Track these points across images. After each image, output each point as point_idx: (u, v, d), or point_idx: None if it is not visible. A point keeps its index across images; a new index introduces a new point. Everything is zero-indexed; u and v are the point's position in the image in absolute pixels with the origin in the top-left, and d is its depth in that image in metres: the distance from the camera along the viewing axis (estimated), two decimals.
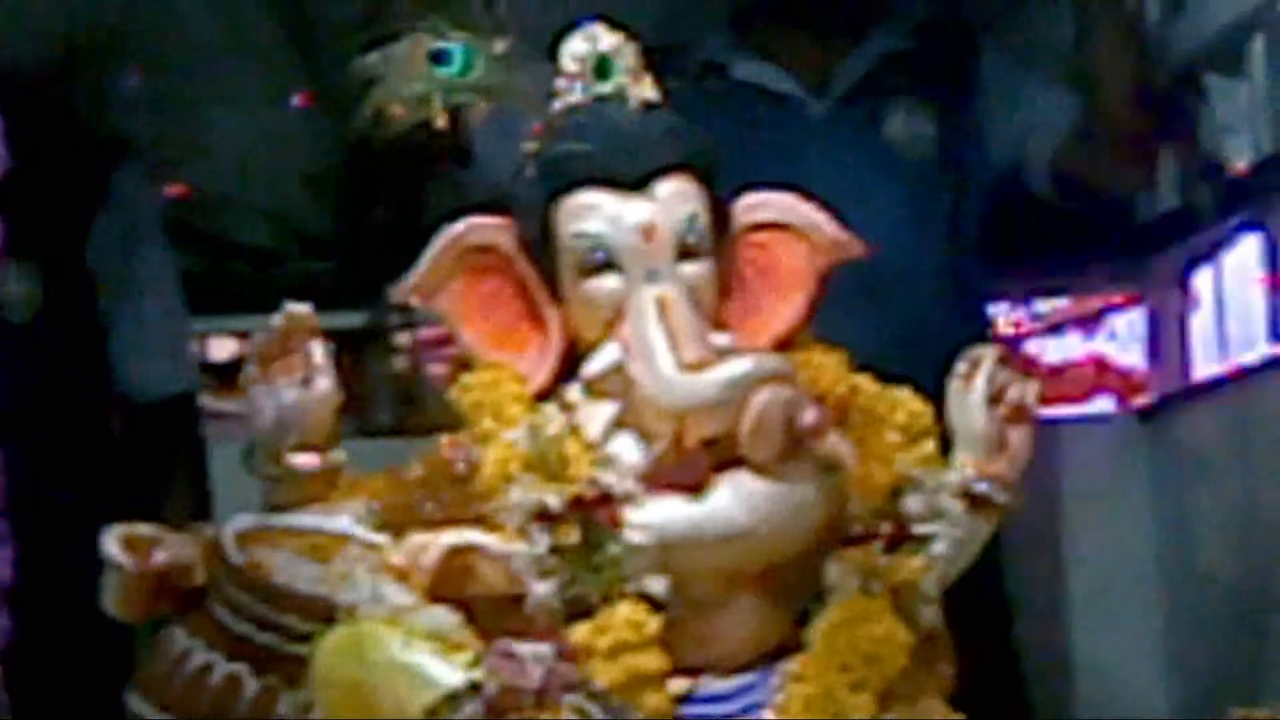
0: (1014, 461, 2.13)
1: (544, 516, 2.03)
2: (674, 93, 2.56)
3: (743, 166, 2.46)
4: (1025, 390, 2.16)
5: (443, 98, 2.20)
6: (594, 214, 2.08)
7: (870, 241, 2.39)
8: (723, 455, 2.03)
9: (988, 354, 2.18)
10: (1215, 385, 3.23)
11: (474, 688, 1.89)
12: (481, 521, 2.08)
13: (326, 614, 2.07)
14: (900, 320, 2.83)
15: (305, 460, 2.13)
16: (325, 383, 2.10)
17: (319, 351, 2.11)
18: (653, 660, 2.00)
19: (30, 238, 2.38)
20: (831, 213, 2.32)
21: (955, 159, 3.12)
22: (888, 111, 3.15)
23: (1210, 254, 3.17)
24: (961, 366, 2.11)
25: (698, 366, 1.96)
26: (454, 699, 1.91)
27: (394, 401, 3.03)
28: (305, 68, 3.37)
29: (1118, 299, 3.76)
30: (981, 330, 3.09)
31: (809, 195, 2.32)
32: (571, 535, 2.03)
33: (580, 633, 1.98)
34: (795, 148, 3.02)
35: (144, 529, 2.12)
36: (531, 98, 2.25)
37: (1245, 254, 2.96)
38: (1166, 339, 3.40)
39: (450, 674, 1.96)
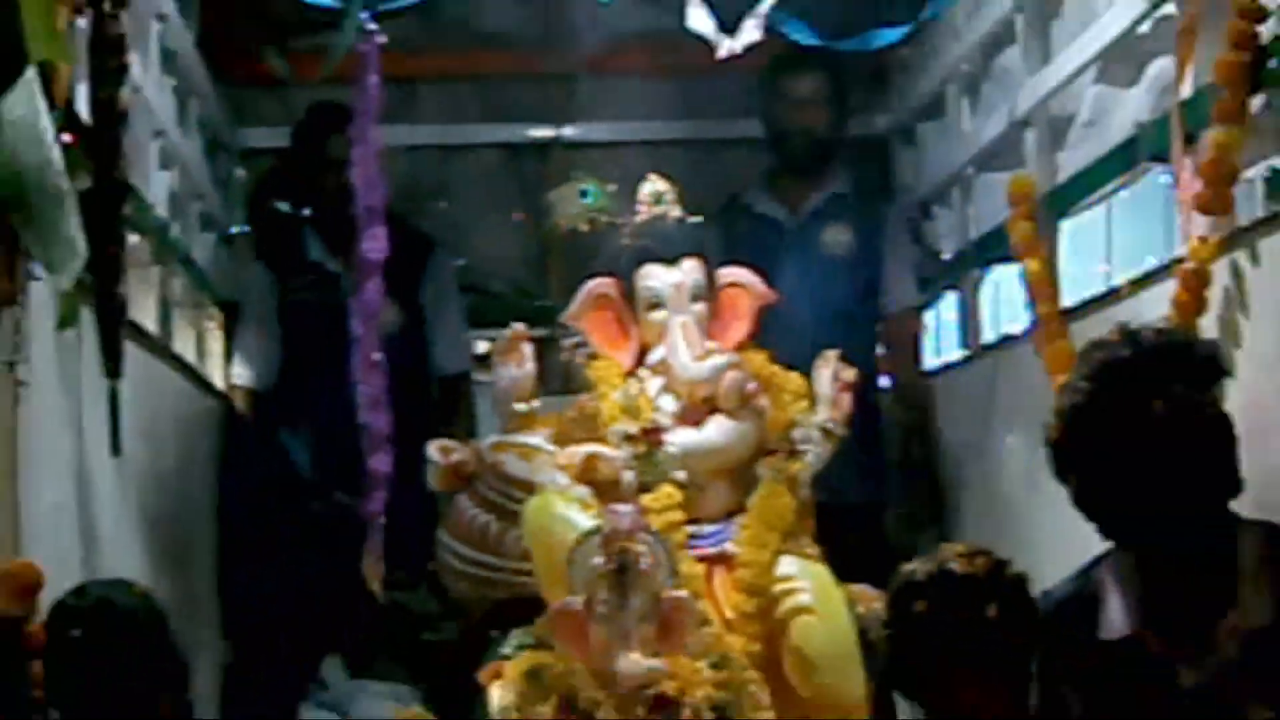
0: (844, 413, 3.37)
1: (629, 439, 3.26)
2: (719, 224, 4.14)
3: (754, 257, 3.90)
4: (849, 374, 3.38)
5: (585, 216, 3.59)
6: (653, 277, 3.40)
7: (814, 299, 4.10)
8: (712, 407, 3.32)
9: (832, 355, 3.47)
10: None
11: (598, 529, 2.97)
12: (601, 440, 3.30)
13: (530, 489, 3.22)
14: (819, 336, 4.00)
15: (521, 406, 3.38)
16: (530, 366, 3.37)
17: (528, 350, 3.42)
18: (677, 515, 3.24)
19: (395, 290, 3.76)
20: (788, 284, 3.91)
21: (861, 258, 4.66)
22: (828, 228, 4.60)
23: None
24: (820, 361, 3.40)
25: (701, 359, 3.25)
26: (587, 534, 2.97)
27: (560, 376, 4.21)
28: (522, 198, 4.85)
29: None
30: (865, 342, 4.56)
31: (777, 275, 3.80)
32: (641, 448, 3.27)
33: (645, 500, 3.16)
34: (777, 250, 4.46)
35: (447, 442, 3.39)
36: (624, 215, 3.56)
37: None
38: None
39: (586, 521, 3.05)
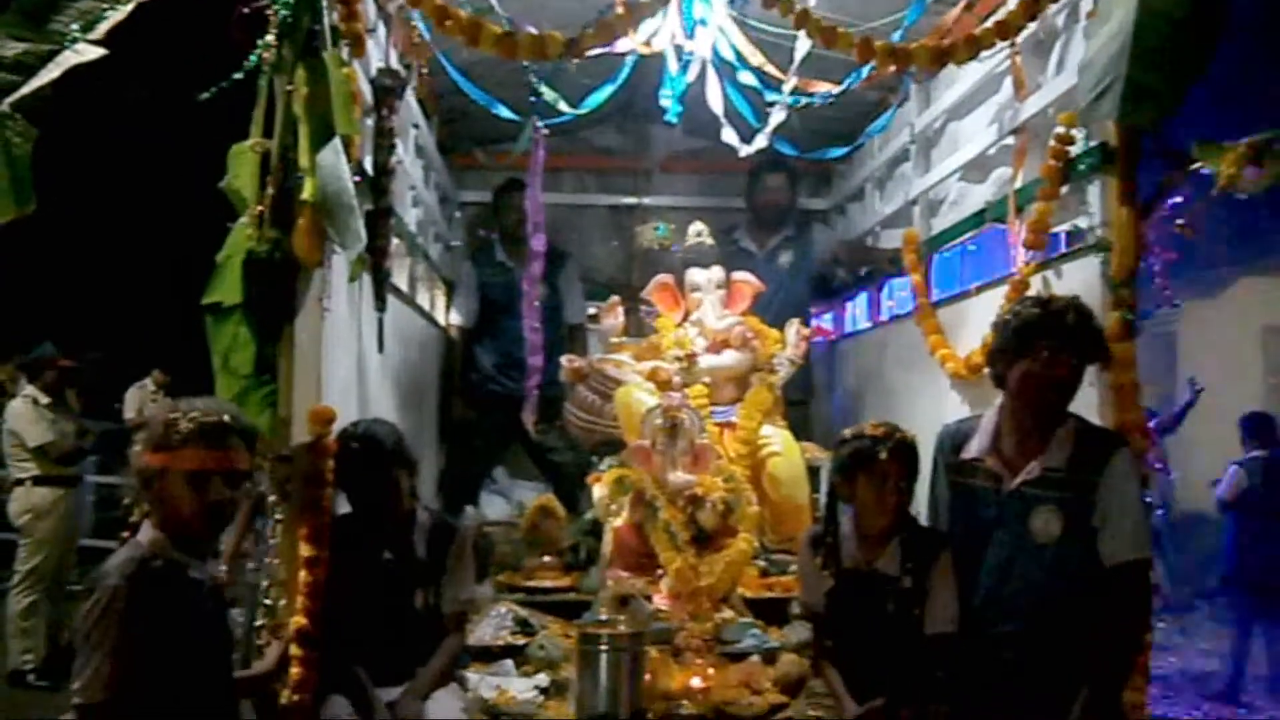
0: (800, 352, 4.03)
1: (678, 359, 3.95)
2: (722, 249, 4.34)
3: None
4: (805, 331, 3.75)
5: (657, 241, 3.77)
6: (695, 274, 4.25)
7: (780, 293, 4.36)
8: (725, 344, 4.01)
9: (796, 320, 4.07)
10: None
11: (659, 405, 3.54)
12: (662, 359, 3.92)
13: (619, 383, 4.01)
14: (785, 310, 4.45)
15: (615, 340, 4.11)
16: (621, 319, 4.16)
17: (620, 310, 4.11)
18: (704, 401, 3.97)
19: (545, 277, 4.00)
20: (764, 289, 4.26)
21: (798, 273, 4.90)
22: (779, 255, 4.86)
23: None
24: (788, 324, 3.81)
25: (720, 319, 3.88)
26: (653, 408, 3.66)
27: (636, 326, 4.47)
28: (618, 233, 5.26)
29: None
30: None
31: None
32: (685, 364, 3.87)
33: (687, 391, 3.80)
34: (754, 268, 4.62)
35: (572, 356, 4.07)
36: (678, 243, 3.87)
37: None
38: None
39: (652, 400, 3.82)
